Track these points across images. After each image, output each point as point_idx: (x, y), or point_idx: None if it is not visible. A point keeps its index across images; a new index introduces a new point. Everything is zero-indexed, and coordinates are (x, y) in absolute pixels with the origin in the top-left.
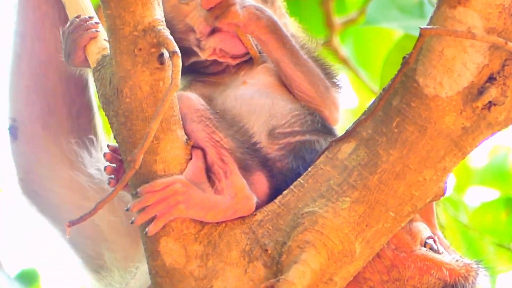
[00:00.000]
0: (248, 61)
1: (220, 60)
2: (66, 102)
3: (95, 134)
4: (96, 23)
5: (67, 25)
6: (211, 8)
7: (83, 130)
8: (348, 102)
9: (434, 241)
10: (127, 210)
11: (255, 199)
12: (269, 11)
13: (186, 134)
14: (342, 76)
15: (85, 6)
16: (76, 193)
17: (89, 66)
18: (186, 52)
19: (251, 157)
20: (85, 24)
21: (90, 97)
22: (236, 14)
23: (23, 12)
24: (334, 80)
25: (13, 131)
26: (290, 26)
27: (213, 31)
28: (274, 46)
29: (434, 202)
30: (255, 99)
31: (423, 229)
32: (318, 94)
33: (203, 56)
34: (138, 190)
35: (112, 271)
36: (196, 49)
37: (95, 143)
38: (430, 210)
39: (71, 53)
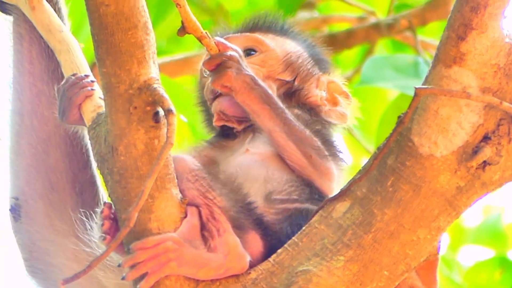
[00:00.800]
0: (254, 129)
1: (228, 124)
2: (68, 178)
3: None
4: (92, 81)
5: (63, 82)
6: (213, 69)
7: (88, 204)
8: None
9: None
10: (119, 266)
11: (248, 258)
12: (263, 84)
13: (181, 192)
14: (338, 136)
15: (80, 64)
16: (83, 265)
17: (83, 124)
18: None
19: (245, 216)
20: (81, 82)
21: (93, 173)
22: (230, 78)
23: (19, 90)
24: (333, 150)
25: (16, 211)
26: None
27: (217, 96)
28: (266, 117)
29: (438, 274)
30: (251, 169)
31: None
32: (310, 164)
33: (214, 122)
34: (131, 246)
35: None
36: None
37: None
38: (432, 279)
39: (65, 111)
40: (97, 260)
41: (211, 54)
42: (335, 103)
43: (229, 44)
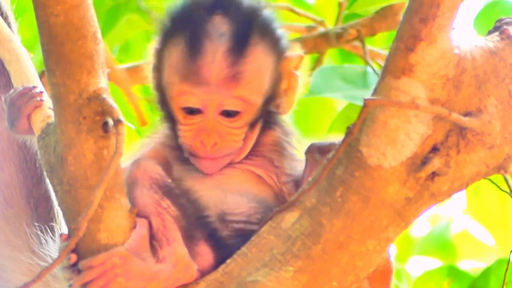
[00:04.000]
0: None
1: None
2: (23, 194)
3: (56, 222)
4: (40, 92)
5: (10, 92)
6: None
7: (43, 219)
8: None
9: None
10: (70, 286)
11: (195, 267)
12: None
13: (133, 198)
14: None
15: (30, 74)
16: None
17: (33, 134)
18: None
19: (198, 228)
20: (30, 93)
21: (47, 187)
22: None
23: None
24: None
25: None
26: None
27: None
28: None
29: (392, 283)
30: (209, 189)
31: None
32: None
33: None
34: (79, 264)
35: None
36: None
37: (57, 230)
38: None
39: (14, 120)
40: (46, 269)
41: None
42: (290, 88)
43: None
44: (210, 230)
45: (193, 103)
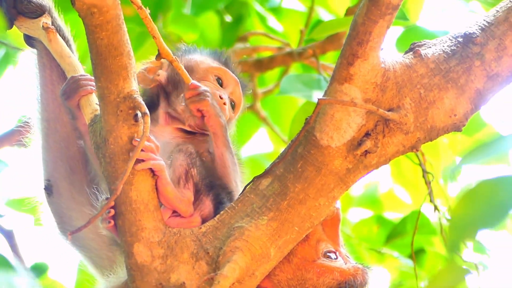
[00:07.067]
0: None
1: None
2: (83, 165)
3: None
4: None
5: (76, 75)
6: (189, 97)
7: (98, 183)
8: (264, 149)
9: (335, 254)
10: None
11: (193, 211)
12: (223, 116)
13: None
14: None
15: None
16: (95, 225)
17: (76, 110)
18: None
19: (207, 188)
20: (86, 81)
21: None
22: (208, 104)
23: (45, 103)
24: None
25: (49, 189)
26: None
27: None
28: (222, 143)
29: (340, 229)
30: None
31: (325, 246)
32: (231, 179)
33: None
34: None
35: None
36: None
37: None
38: (335, 233)
39: (70, 94)
40: (94, 217)
41: (189, 86)
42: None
43: (202, 86)
44: (214, 190)
45: None
